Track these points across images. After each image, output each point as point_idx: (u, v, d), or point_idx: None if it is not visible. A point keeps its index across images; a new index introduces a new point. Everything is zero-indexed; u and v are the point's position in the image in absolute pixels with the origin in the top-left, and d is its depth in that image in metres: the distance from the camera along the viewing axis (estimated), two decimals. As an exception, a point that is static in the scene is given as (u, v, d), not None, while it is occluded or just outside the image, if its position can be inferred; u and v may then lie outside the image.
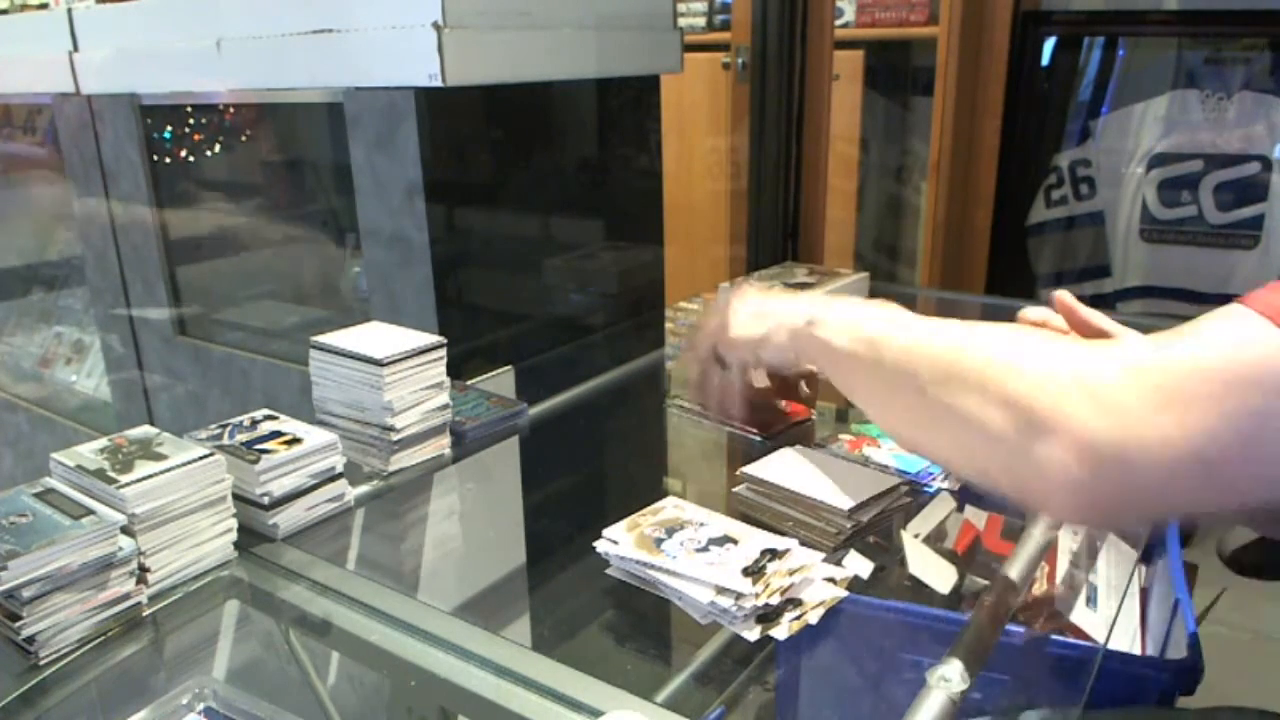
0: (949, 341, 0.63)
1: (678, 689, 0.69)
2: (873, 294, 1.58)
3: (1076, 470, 0.51)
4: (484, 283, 1.30)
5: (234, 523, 0.79)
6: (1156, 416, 0.49)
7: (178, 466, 0.74)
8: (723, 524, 0.79)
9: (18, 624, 0.65)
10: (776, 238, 1.81)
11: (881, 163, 2.70)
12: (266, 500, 0.81)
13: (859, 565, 0.77)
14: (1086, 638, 0.86)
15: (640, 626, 0.78)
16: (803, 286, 1.48)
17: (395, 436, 0.92)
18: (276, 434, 0.85)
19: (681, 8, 2.52)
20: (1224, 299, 0.52)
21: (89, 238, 1.80)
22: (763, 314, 0.87)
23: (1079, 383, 0.52)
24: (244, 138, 1.68)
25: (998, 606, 0.69)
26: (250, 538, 0.81)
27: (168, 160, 1.65)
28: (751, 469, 0.89)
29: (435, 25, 1.04)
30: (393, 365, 0.91)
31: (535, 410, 1.13)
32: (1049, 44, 2.23)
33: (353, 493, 0.88)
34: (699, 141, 2.49)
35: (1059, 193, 2.26)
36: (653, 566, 0.73)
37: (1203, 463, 0.48)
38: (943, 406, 0.60)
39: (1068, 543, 0.93)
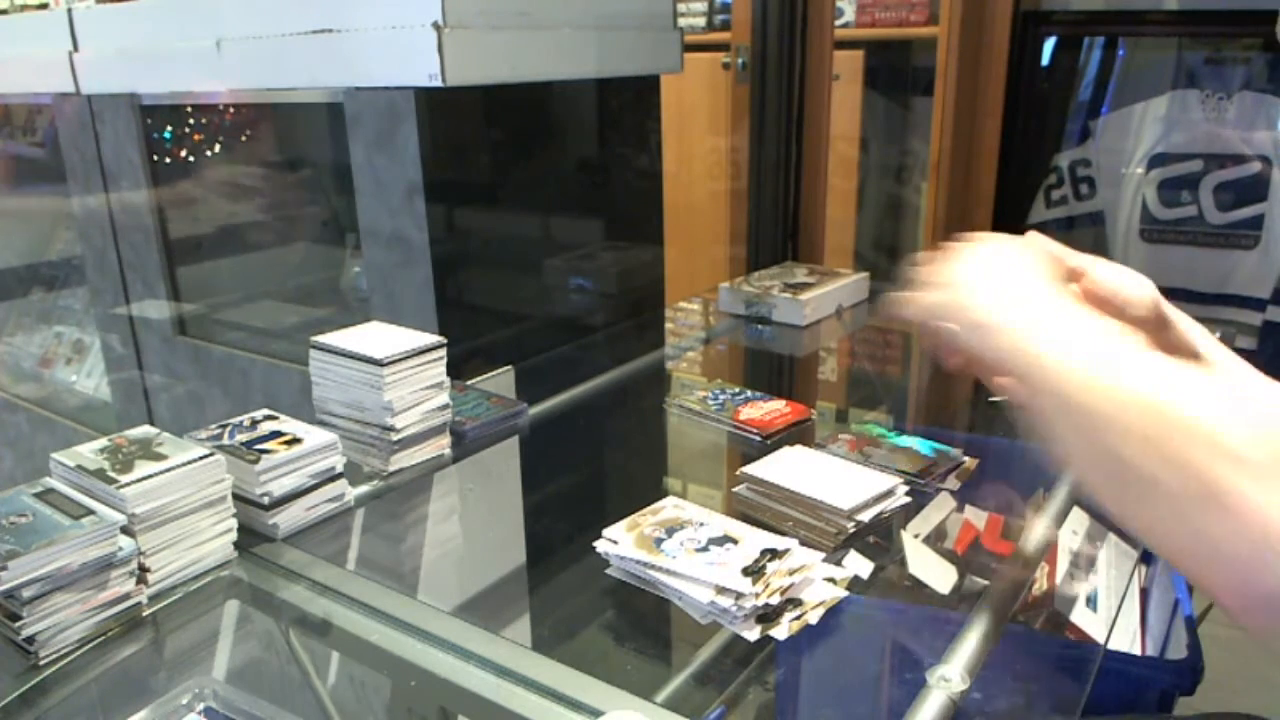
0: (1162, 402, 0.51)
1: (678, 689, 0.69)
2: (873, 294, 1.58)
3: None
4: (484, 283, 1.30)
5: (234, 523, 0.79)
6: None
7: (178, 466, 0.74)
8: (723, 524, 0.79)
9: (18, 624, 0.65)
10: (776, 238, 1.81)
11: (881, 163, 2.70)
12: (266, 500, 0.81)
13: (859, 565, 0.77)
14: (1086, 638, 0.86)
15: (640, 626, 0.78)
16: (803, 286, 1.48)
17: (395, 436, 0.92)
18: (276, 434, 0.85)
19: (681, 8, 2.52)
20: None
21: (89, 238, 1.80)
22: (991, 291, 0.66)
23: None
24: (244, 138, 1.68)
25: (998, 606, 0.70)
26: (250, 538, 0.81)
27: (168, 160, 1.65)
28: (751, 469, 0.89)
29: (435, 25, 1.04)
30: (393, 365, 0.91)
31: (535, 410, 1.13)
32: (1049, 44, 2.24)
33: (353, 493, 0.88)
34: (699, 141, 2.49)
35: (1059, 193, 2.26)
36: (653, 566, 0.73)
37: None
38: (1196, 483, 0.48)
39: (1068, 543, 0.93)
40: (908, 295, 0.70)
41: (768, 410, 1.08)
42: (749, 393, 1.15)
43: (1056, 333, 0.59)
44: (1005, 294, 0.64)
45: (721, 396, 1.14)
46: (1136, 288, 0.72)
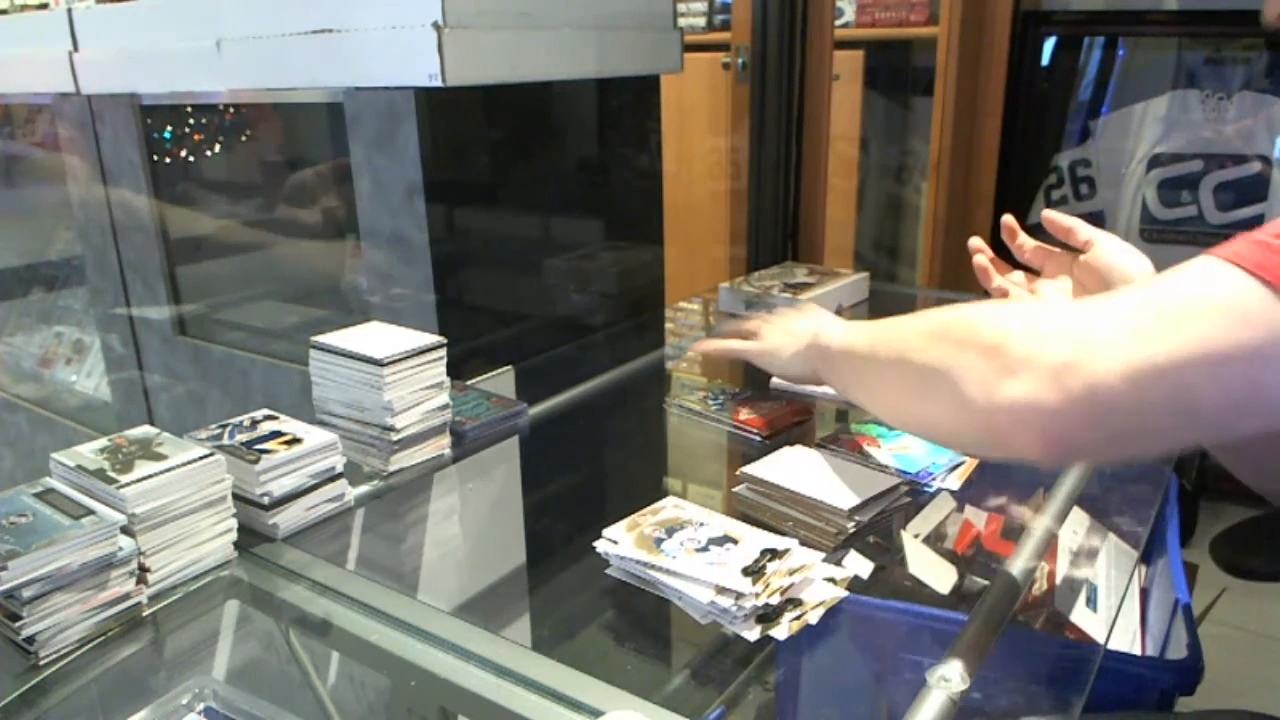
0: (935, 316, 0.67)
1: (678, 689, 0.69)
2: (873, 294, 1.58)
3: (1046, 399, 0.53)
4: (484, 283, 1.30)
5: (234, 523, 0.79)
6: (1124, 342, 0.52)
7: (178, 466, 0.74)
8: (723, 524, 0.79)
9: (18, 624, 0.65)
10: (776, 238, 1.81)
11: (881, 163, 2.70)
12: (266, 500, 0.81)
13: (859, 565, 0.77)
14: (1086, 638, 0.86)
15: (640, 626, 0.78)
16: (803, 286, 1.48)
17: (395, 436, 0.92)
18: (276, 434, 0.85)
19: (681, 8, 2.52)
20: None
21: (89, 238, 1.80)
22: (790, 331, 0.98)
23: (1050, 323, 0.56)
24: (244, 138, 1.68)
25: (998, 606, 0.70)
26: (250, 538, 0.81)
27: (168, 160, 1.65)
28: (751, 469, 0.89)
29: (435, 25, 1.04)
30: (393, 365, 0.91)
31: (535, 410, 1.13)
32: (1049, 44, 2.24)
33: (353, 493, 0.88)
34: (699, 141, 2.49)
35: (1059, 193, 2.26)
36: (653, 566, 0.73)
37: (1168, 384, 0.51)
38: (925, 368, 0.63)
39: (1068, 543, 0.93)
40: (727, 346, 1.08)
41: (767, 410, 1.08)
42: (749, 393, 1.15)
43: (833, 333, 0.85)
44: (793, 340, 0.96)
45: (721, 396, 1.14)
46: (1133, 264, 0.84)
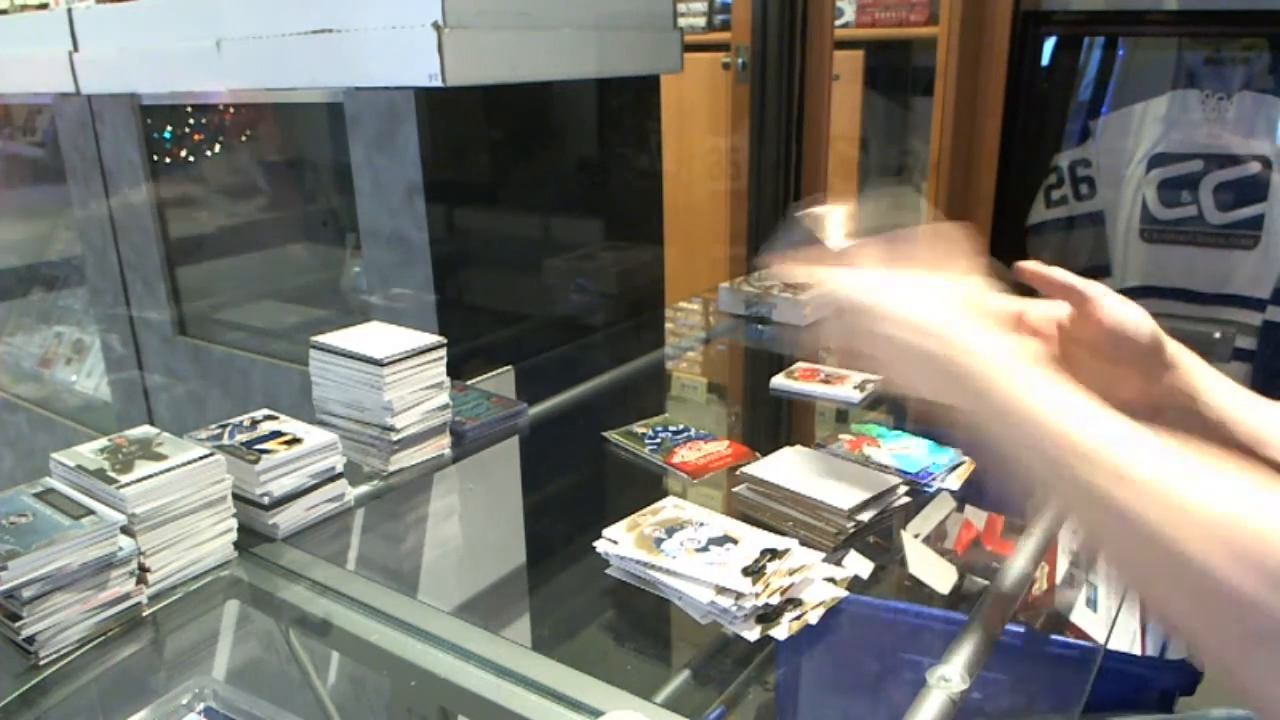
0: (1219, 505, 0.47)
1: (678, 689, 0.69)
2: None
3: None
4: (484, 283, 1.30)
5: (234, 523, 0.79)
6: None
7: (178, 466, 0.74)
8: (723, 524, 0.79)
9: (18, 624, 0.65)
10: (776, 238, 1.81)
11: (881, 163, 2.70)
12: (266, 500, 0.81)
13: (859, 565, 0.77)
14: (1086, 638, 0.86)
15: (640, 626, 0.78)
16: (803, 286, 1.48)
17: (395, 436, 0.92)
18: (276, 434, 0.85)
19: (681, 8, 2.52)
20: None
21: (89, 238, 1.80)
22: (938, 314, 0.63)
23: None
24: (244, 138, 1.68)
25: (998, 606, 0.70)
26: (250, 538, 0.81)
27: (168, 160, 1.65)
28: (751, 469, 0.89)
29: (435, 25, 1.04)
30: (393, 365, 0.91)
31: (535, 410, 1.13)
32: (1049, 44, 2.23)
33: (353, 493, 0.88)
34: (699, 141, 2.48)
35: (1059, 193, 2.26)
36: (653, 566, 0.73)
37: None
38: (1212, 584, 0.45)
39: (1068, 543, 0.93)
40: (826, 274, 0.68)
41: (705, 453, 1.02)
42: (692, 431, 1.07)
43: (1019, 368, 0.57)
44: (952, 317, 0.62)
45: (662, 434, 1.07)
46: (1142, 322, 0.73)
